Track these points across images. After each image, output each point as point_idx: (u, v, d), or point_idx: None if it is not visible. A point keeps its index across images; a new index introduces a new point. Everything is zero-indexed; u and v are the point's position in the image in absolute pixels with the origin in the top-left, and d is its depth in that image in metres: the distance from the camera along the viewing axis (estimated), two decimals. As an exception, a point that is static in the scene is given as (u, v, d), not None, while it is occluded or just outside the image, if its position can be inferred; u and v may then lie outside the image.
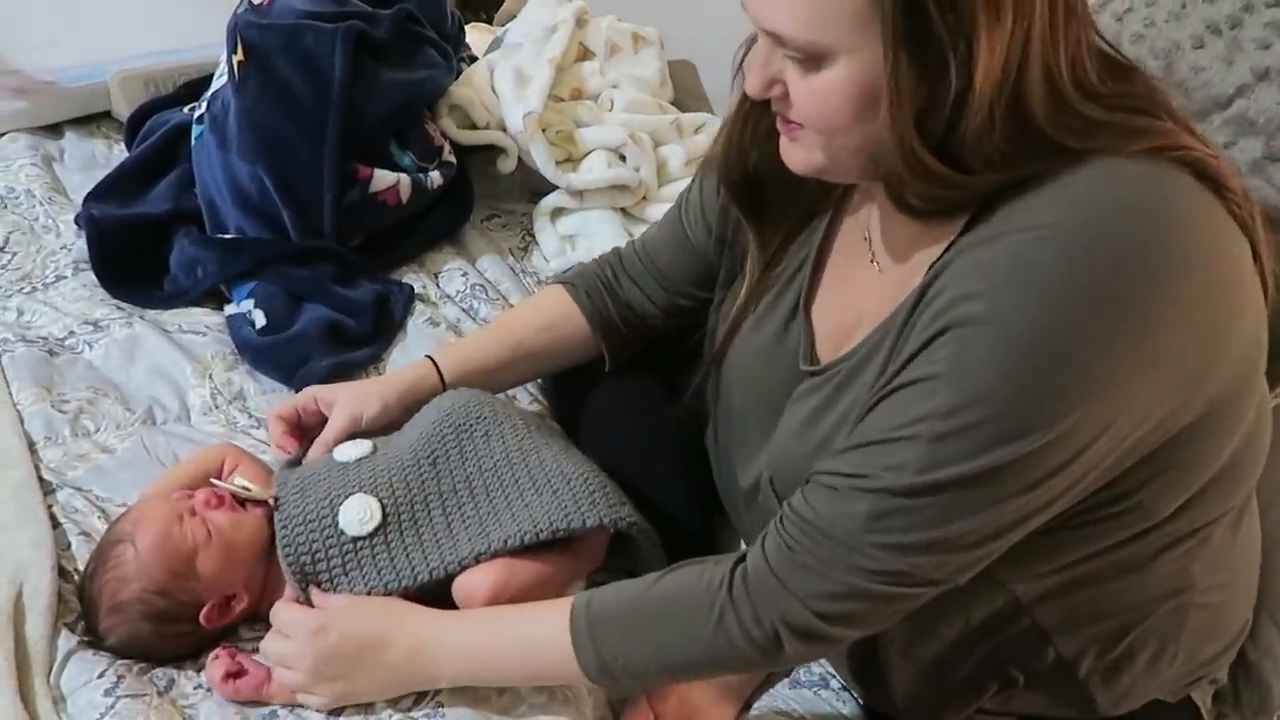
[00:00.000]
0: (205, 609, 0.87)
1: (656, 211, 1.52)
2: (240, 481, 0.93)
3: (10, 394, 1.13)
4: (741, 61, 0.83)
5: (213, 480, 0.94)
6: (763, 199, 0.91)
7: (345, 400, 1.02)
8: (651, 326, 1.09)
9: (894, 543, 0.71)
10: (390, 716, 0.86)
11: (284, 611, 0.88)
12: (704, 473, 1.06)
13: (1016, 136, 0.68)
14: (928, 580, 0.73)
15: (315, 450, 1.00)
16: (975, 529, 0.71)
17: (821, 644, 0.78)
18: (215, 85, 1.40)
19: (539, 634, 0.83)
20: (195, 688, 0.89)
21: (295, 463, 0.99)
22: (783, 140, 0.79)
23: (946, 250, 0.73)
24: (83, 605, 0.91)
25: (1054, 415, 0.67)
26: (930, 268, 0.73)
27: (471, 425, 0.97)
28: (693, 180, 1.05)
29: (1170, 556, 0.80)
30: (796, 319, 0.89)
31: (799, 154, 0.78)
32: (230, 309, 1.27)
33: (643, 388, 1.13)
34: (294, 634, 0.86)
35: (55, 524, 0.99)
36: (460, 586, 0.88)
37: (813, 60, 0.70)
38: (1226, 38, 1.09)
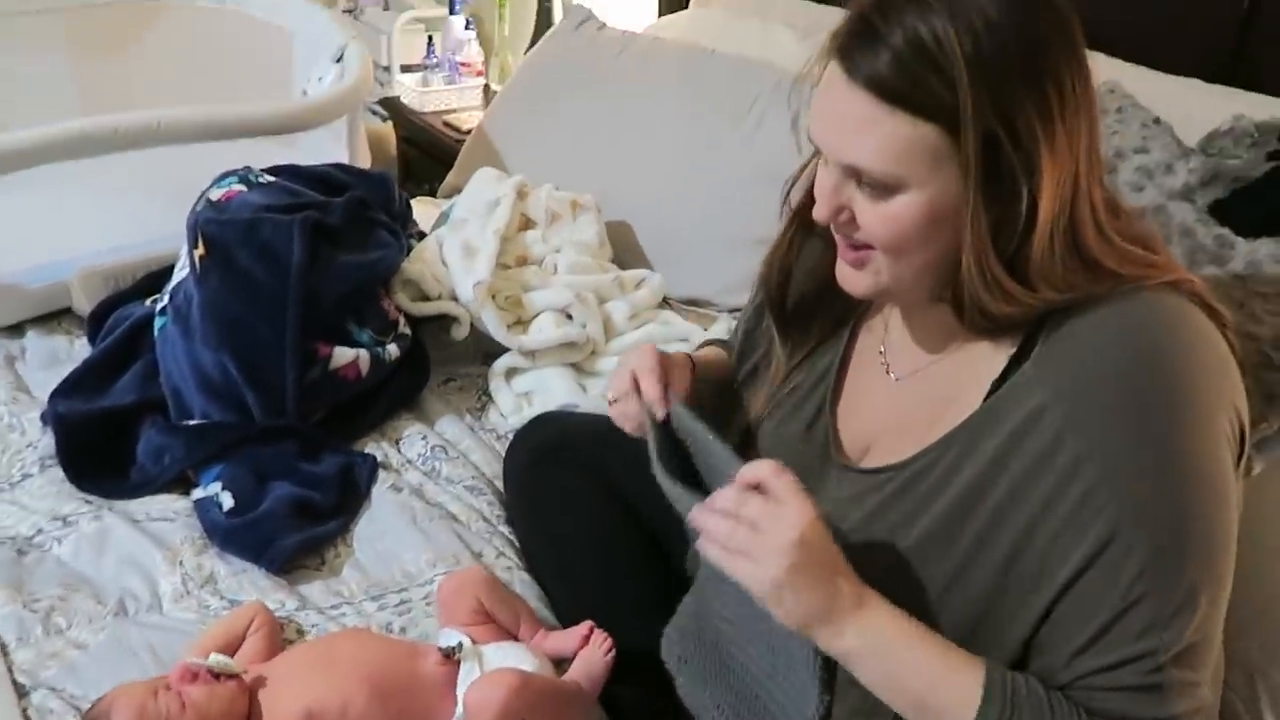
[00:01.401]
0: (182, 786, 0.88)
1: (607, 364, 1.60)
2: (216, 658, 0.96)
3: (-20, 597, 1.14)
4: (788, 193, 0.94)
5: (188, 659, 0.96)
6: (798, 315, 1.00)
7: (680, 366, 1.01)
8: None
9: (1187, 680, 0.76)
10: None
11: (754, 502, 0.78)
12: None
13: (1072, 261, 0.78)
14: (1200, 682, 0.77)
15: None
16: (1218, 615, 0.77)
17: None
18: (176, 278, 1.47)
19: (956, 663, 0.79)
20: None
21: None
22: (842, 266, 0.86)
23: (1004, 375, 0.82)
24: None
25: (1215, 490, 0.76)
26: (991, 393, 0.82)
27: None
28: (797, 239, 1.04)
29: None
30: (821, 420, 0.97)
31: (863, 279, 0.85)
32: (198, 493, 1.30)
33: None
34: (769, 527, 0.77)
35: (30, 728, 1.00)
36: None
37: (885, 191, 0.78)
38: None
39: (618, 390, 0.98)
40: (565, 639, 1.10)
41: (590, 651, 1.07)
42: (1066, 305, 0.79)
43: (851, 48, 0.77)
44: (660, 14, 2.40)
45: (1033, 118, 0.74)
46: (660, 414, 0.94)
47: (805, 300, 0.99)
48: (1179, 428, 0.76)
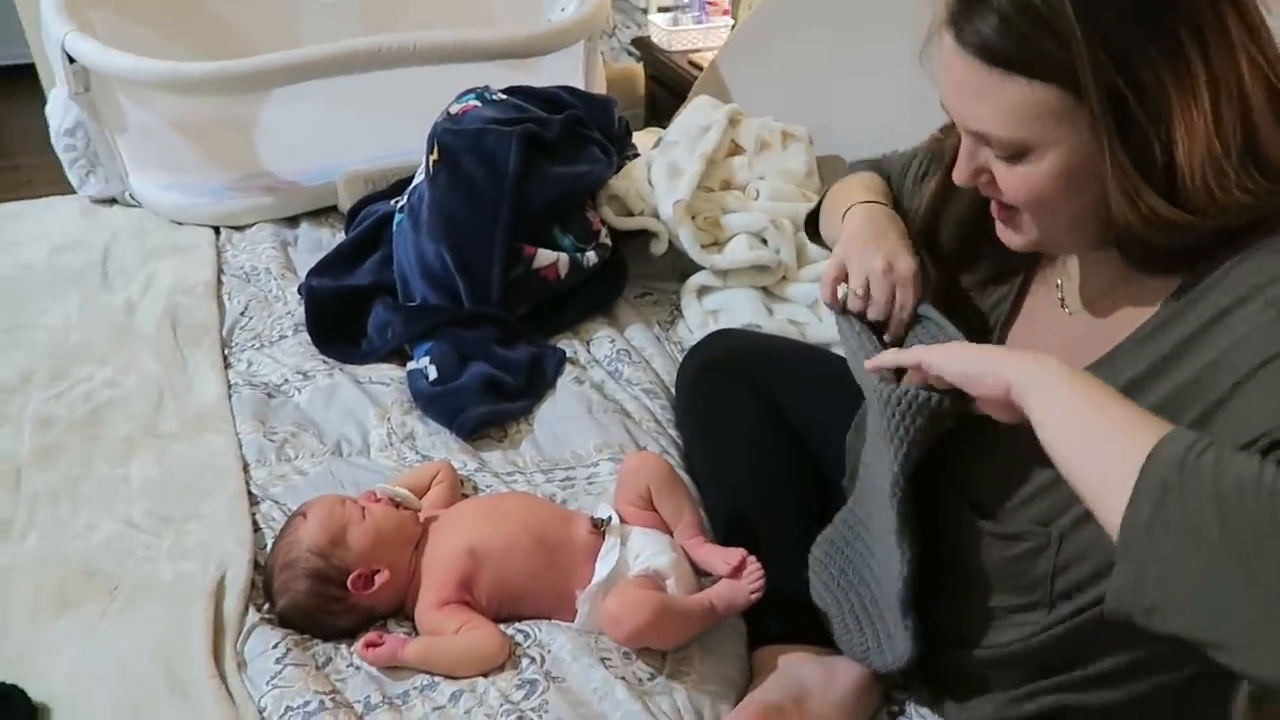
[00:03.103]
0: (352, 575, 1.05)
1: (796, 291, 1.64)
2: (399, 490, 1.13)
3: (234, 426, 1.38)
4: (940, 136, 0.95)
5: (378, 487, 1.14)
6: (951, 252, 1.01)
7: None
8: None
9: None
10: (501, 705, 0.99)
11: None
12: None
13: (1247, 173, 0.72)
14: None
15: None
16: None
17: None
18: (415, 181, 1.67)
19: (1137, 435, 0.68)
20: (347, 665, 1.06)
21: None
22: (999, 224, 0.87)
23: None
24: (264, 572, 1.11)
25: None
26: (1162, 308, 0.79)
27: None
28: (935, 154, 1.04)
29: None
30: (991, 339, 0.98)
31: (1016, 235, 0.85)
32: (411, 365, 1.49)
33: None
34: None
35: (256, 528, 1.22)
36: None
37: (1017, 154, 0.77)
38: None
39: (879, 296, 0.98)
40: (716, 558, 1.09)
41: (739, 584, 1.06)
42: (1247, 224, 0.74)
43: (959, 14, 0.75)
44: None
45: (1160, 66, 0.70)
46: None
47: (955, 242, 0.99)
48: None
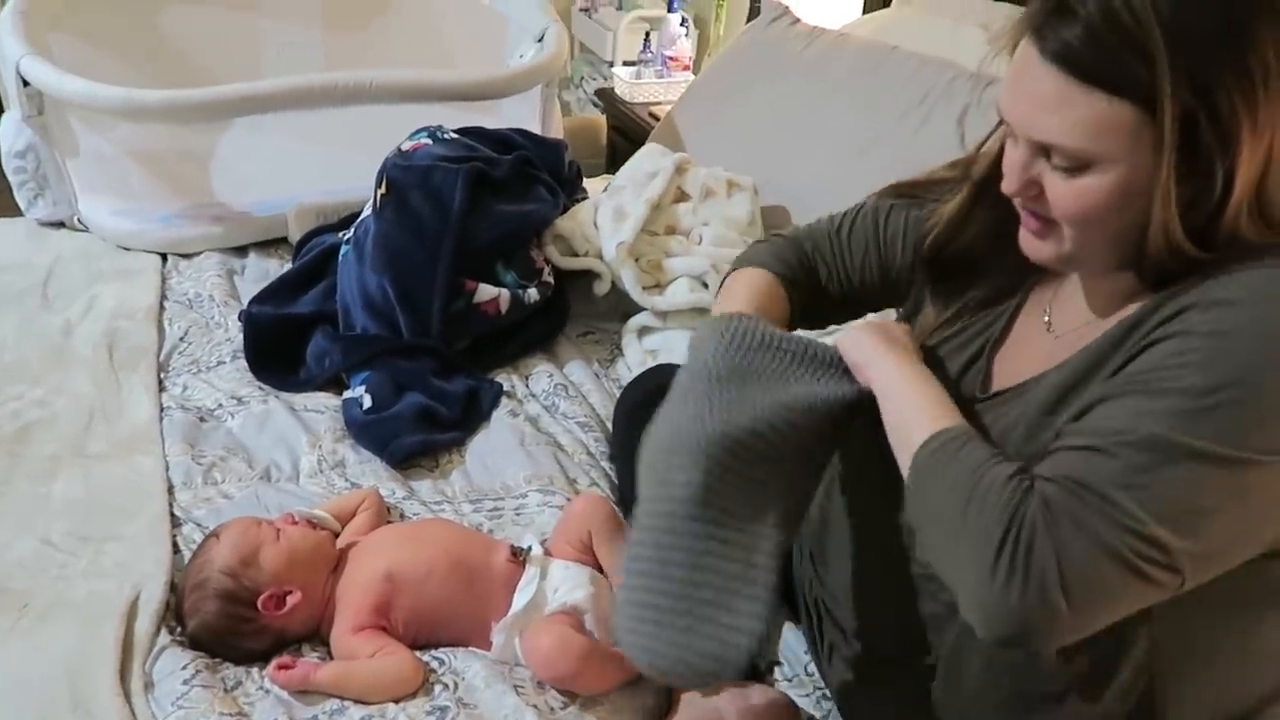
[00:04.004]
0: (263, 596, 1.05)
1: (735, 334, 1.67)
2: (317, 512, 1.13)
3: (164, 448, 1.38)
4: (968, 160, 0.95)
5: (295, 509, 1.13)
6: (956, 273, 1.00)
7: None
8: (821, 299, 1.12)
9: (1147, 501, 0.71)
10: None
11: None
12: None
13: (1257, 225, 0.75)
14: (1171, 562, 0.72)
15: None
16: (1223, 520, 0.72)
17: (1053, 623, 0.73)
18: (363, 215, 1.69)
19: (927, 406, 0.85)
20: (257, 688, 1.04)
21: None
22: (1026, 234, 0.85)
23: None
24: (176, 592, 1.10)
25: None
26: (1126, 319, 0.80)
27: None
28: (884, 203, 1.09)
29: None
30: (979, 363, 0.97)
31: (1047, 248, 0.84)
32: (347, 394, 1.49)
33: None
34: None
35: (177, 550, 1.21)
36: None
37: (1077, 166, 0.76)
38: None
39: None
40: None
41: None
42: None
43: (1044, 23, 0.75)
44: (864, 11, 2.43)
45: (1234, 92, 0.71)
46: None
47: (972, 260, 0.98)
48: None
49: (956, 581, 0.77)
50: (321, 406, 1.49)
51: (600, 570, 1.15)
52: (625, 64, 2.97)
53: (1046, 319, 0.94)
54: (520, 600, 1.09)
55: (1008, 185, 0.82)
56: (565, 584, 1.11)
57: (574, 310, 1.73)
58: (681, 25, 2.86)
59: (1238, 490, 0.72)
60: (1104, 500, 0.72)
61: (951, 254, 0.99)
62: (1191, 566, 0.72)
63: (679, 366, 1.48)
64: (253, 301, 1.66)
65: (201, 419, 1.45)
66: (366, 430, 1.40)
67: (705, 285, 1.68)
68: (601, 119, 2.98)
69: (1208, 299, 0.74)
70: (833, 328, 1.17)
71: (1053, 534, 0.72)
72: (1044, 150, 0.78)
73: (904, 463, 0.84)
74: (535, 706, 1.01)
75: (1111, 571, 0.71)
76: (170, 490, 1.30)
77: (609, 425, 1.48)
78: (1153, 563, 0.71)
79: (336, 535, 1.16)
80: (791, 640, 1.15)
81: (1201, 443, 0.71)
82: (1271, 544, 0.77)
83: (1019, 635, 0.73)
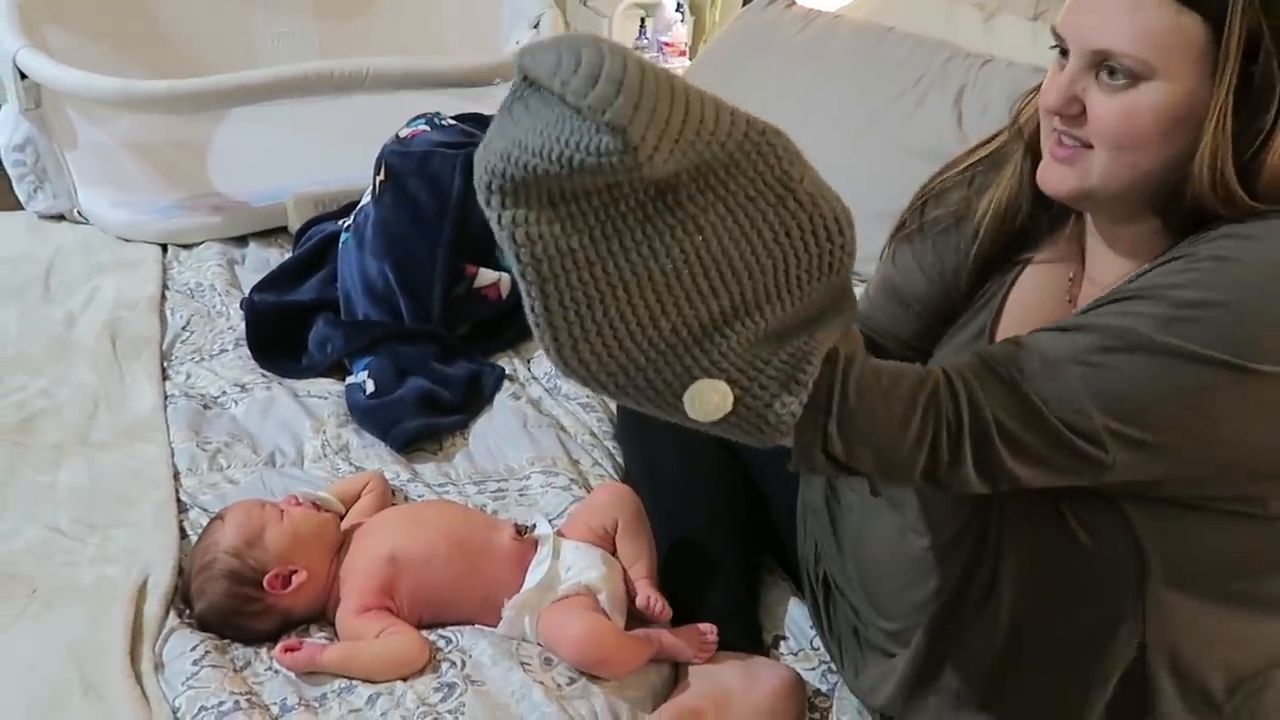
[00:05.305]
0: (269, 575, 1.06)
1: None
2: (322, 495, 1.13)
3: (168, 435, 1.38)
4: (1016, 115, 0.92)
5: (299, 491, 1.14)
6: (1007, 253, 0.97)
7: None
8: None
9: (1096, 385, 0.73)
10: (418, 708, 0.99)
11: None
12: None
13: None
14: (1100, 454, 0.73)
15: None
16: (1171, 418, 0.73)
17: (990, 466, 0.74)
18: (362, 202, 1.69)
19: None
20: (266, 668, 1.05)
21: None
22: (1047, 166, 0.83)
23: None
24: (184, 575, 1.11)
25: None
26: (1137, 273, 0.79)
27: None
28: (889, 258, 1.09)
29: None
30: (982, 338, 0.97)
31: (1072, 177, 0.81)
32: (349, 379, 1.50)
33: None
34: None
35: (184, 535, 1.21)
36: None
37: (1131, 79, 0.75)
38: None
39: None
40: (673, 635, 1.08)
41: (692, 646, 1.06)
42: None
43: None
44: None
45: None
46: None
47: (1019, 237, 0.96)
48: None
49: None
50: (324, 392, 1.49)
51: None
52: (621, 50, 2.97)
53: (1069, 295, 0.92)
54: (533, 578, 1.09)
55: (1048, 98, 0.79)
56: (578, 563, 1.11)
57: (574, 294, 1.73)
58: (677, 10, 2.86)
59: (1192, 390, 0.72)
60: (1054, 372, 0.73)
61: (1013, 228, 0.95)
62: (1124, 451, 0.73)
63: None
64: (254, 290, 1.66)
65: (205, 406, 1.45)
66: (369, 415, 1.41)
67: (704, 267, 1.68)
68: (599, 106, 2.98)
69: (1222, 232, 0.74)
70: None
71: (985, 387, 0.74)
72: (1097, 65, 0.77)
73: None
74: (542, 683, 1.02)
75: (1040, 442, 0.73)
76: (176, 476, 1.31)
77: (612, 406, 1.49)
78: (1082, 436, 0.73)
79: (341, 517, 1.17)
80: (797, 615, 1.16)
81: (1173, 340, 0.72)
82: (1222, 468, 0.76)
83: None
